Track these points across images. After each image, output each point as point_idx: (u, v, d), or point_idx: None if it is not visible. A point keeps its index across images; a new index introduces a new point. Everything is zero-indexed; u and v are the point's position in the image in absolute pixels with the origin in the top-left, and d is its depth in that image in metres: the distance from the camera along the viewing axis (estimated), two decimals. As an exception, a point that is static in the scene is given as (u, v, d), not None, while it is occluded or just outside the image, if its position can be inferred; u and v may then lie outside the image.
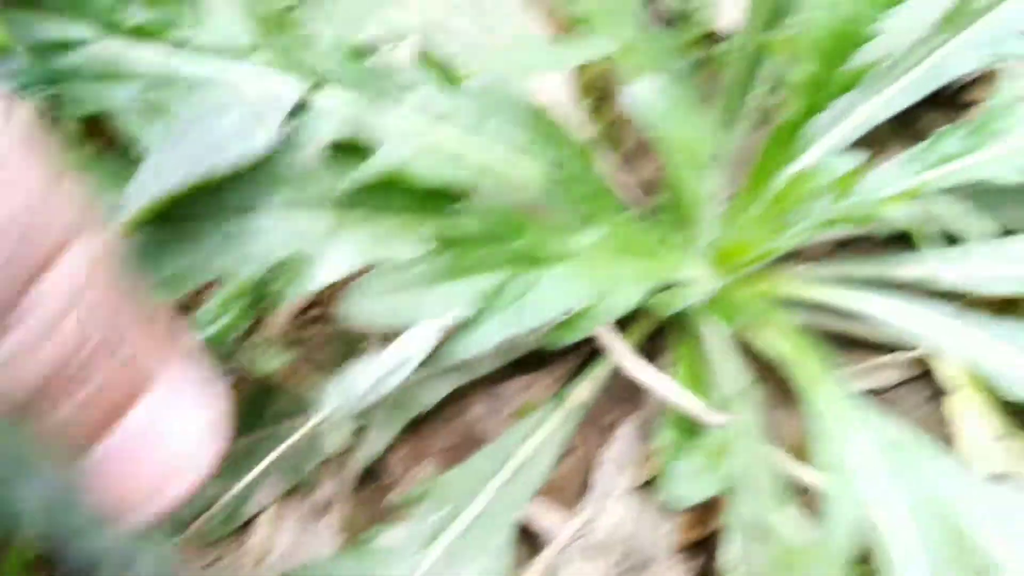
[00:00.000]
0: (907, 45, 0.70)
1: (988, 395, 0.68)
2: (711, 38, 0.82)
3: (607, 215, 0.54)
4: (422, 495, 0.62)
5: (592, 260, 0.57)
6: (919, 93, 0.72)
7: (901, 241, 0.75)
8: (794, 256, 0.78)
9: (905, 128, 0.83)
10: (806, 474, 0.62)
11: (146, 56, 0.53)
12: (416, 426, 0.71)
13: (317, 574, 0.59)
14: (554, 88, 0.78)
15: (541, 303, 0.56)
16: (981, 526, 0.60)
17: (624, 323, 0.70)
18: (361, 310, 0.52)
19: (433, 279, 0.53)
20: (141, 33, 0.53)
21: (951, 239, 0.71)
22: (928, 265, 0.70)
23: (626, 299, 0.55)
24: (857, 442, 0.58)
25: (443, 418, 0.72)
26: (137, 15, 0.51)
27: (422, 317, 0.51)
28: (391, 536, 0.61)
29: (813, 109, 0.63)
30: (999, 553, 0.58)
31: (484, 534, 0.62)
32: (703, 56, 0.72)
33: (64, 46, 0.51)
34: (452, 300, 0.53)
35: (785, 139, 0.64)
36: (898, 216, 0.62)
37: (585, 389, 0.68)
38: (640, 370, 0.66)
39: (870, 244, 0.78)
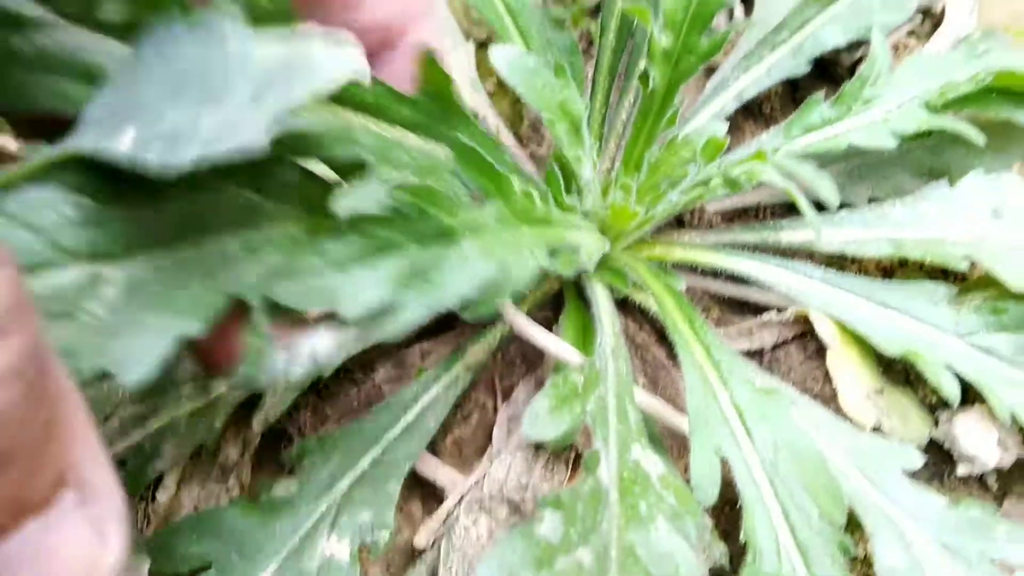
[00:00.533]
0: (779, 18, 0.74)
1: (863, 351, 0.71)
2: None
3: (505, 189, 0.56)
4: (316, 448, 0.64)
5: (495, 232, 0.57)
6: (796, 64, 0.75)
7: (791, 212, 0.79)
8: (687, 225, 0.81)
9: (795, 101, 0.86)
10: (679, 422, 0.65)
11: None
12: (320, 389, 0.74)
13: (209, 523, 0.60)
14: (458, 71, 0.81)
15: (454, 280, 0.54)
16: (843, 467, 0.63)
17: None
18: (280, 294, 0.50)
19: (346, 262, 0.51)
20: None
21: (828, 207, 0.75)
22: (808, 232, 0.74)
23: (529, 268, 0.55)
24: (723, 392, 0.61)
25: (348, 381, 0.75)
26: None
27: (341, 300, 0.48)
28: (286, 487, 0.63)
29: (677, 78, 0.66)
30: (857, 489, 0.61)
31: (377, 484, 0.64)
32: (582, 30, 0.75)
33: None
34: (368, 283, 0.50)
35: (655, 107, 0.67)
36: (774, 181, 0.65)
37: (479, 351, 0.71)
38: (529, 329, 0.69)
39: (762, 215, 0.82)
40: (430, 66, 0.47)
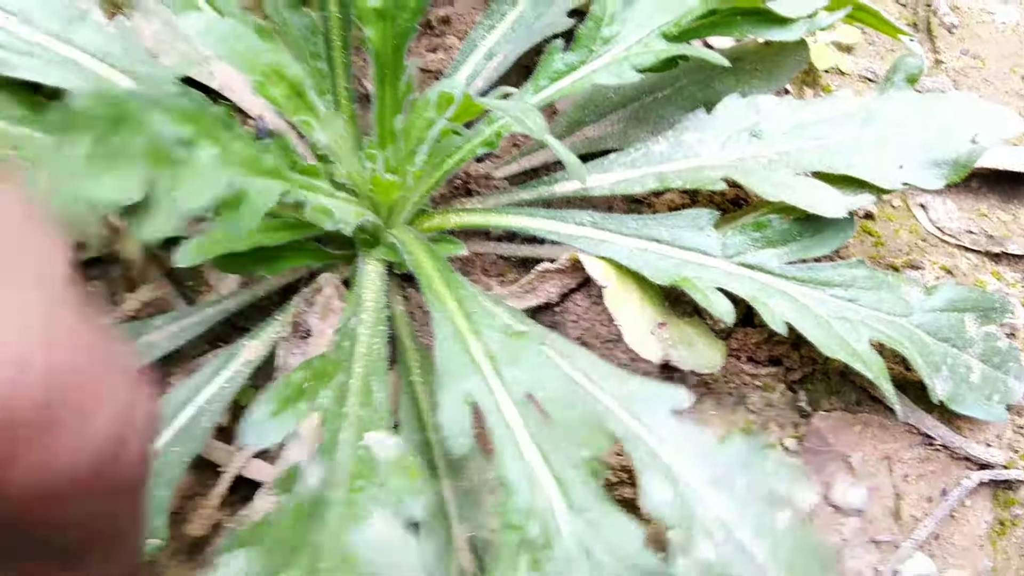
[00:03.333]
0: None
1: (642, 288, 0.70)
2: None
3: (215, 133, 0.55)
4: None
5: (219, 169, 0.56)
6: (542, 16, 0.76)
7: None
8: (474, 194, 0.81)
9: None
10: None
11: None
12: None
13: None
14: (227, 73, 0.81)
15: (190, 195, 0.53)
16: (612, 408, 0.61)
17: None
18: None
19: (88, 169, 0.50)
20: None
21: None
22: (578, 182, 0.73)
23: (269, 196, 0.54)
24: (475, 340, 0.60)
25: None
26: None
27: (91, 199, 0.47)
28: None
29: (398, 37, 0.66)
30: (626, 429, 0.60)
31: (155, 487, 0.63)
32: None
33: None
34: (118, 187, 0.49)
35: (388, 73, 0.67)
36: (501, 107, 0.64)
37: (254, 348, 0.70)
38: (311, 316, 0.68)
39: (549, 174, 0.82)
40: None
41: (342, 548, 0.48)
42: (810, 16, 0.71)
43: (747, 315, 0.71)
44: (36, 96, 0.65)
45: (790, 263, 0.68)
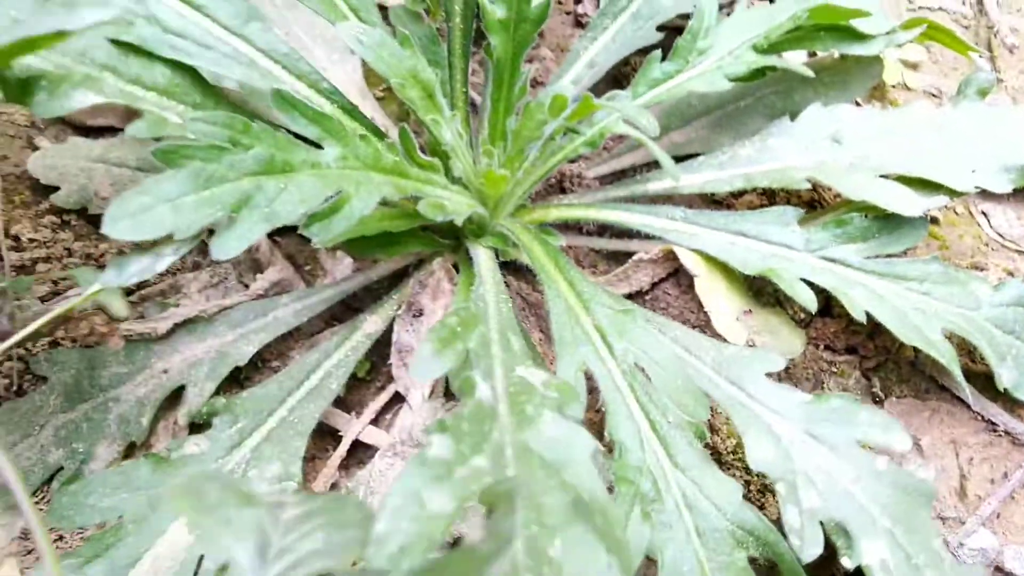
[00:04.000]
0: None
1: (729, 279, 0.77)
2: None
3: (339, 133, 0.63)
4: (224, 408, 0.70)
5: (338, 171, 0.64)
6: (640, 29, 0.83)
7: (660, 167, 0.85)
8: (568, 191, 0.87)
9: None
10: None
11: None
12: (241, 380, 0.79)
13: (120, 478, 0.65)
14: (348, 80, 0.89)
15: (292, 204, 0.60)
16: (710, 376, 0.68)
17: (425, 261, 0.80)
18: (122, 228, 0.56)
19: (183, 192, 0.57)
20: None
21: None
22: (671, 180, 0.80)
23: (368, 199, 0.61)
24: (585, 315, 0.67)
25: (267, 369, 0.80)
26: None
27: (180, 226, 0.54)
28: (195, 444, 0.68)
29: (518, 45, 0.73)
30: (725, 393, 0.66)
31: (284, 441, 0.69)
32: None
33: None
34: (205, 208, 0.57)
35: (505, 77, 0.74)
36: (617, 127, 0.71)
37: (377, 320, 0.77)
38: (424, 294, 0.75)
39: (637, 175, 0.88)
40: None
41: (518, 442, 0.53)
42: (888, 33, 0.78)
43: (826, 306, 0.77)
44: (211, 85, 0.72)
45: (868, 258, 0.74)
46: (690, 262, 0.75)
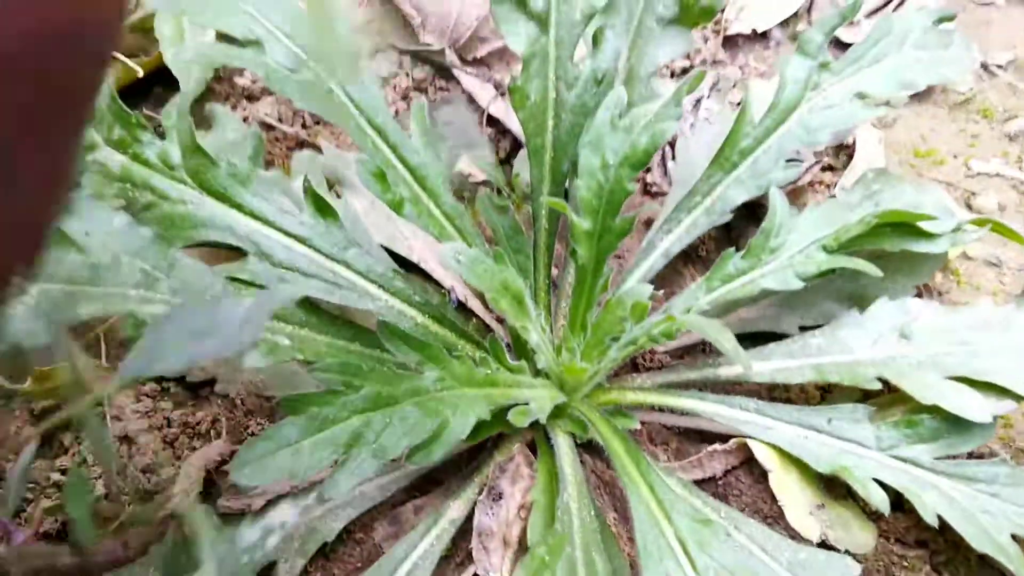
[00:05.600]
0: (689, 185, 0.85)
1: (802, 471, 0.79)
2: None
3: (438, 357, 0.68)
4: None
5: (436, 395, 0.69)
6: (713, 220, 0.86)
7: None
8: (640, 368, 0.91)
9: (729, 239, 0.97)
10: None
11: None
12: (327, 552, 0.83)
13: None
14: (430, 254, 0.93)
15: (397, 437, 0.66)
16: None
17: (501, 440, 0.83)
18: (247, 473, 0.61)
19: (301, 436, 0.63)
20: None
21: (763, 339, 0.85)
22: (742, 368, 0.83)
23: (465, 422, 0.66)
24: (668, 525, 0.70)
25: (352, 542, 0.84)
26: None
27: (298, 470, 0.59)
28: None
29: (601, 253, 0.77)
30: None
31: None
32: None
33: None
34: (321, 451, 0.62)
35: (588, 279, 0.78)
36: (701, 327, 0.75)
37: (461, 505, 0.80)
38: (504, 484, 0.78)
39: (706, 350, 0.92)
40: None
41: None
42: (953, 231, 0.81)
43: (897, 500, 0.79)
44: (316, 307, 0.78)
45: (939, 458, 0.76)
46: (764, 456, 0.78)
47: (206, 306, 0.51)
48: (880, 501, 0.73)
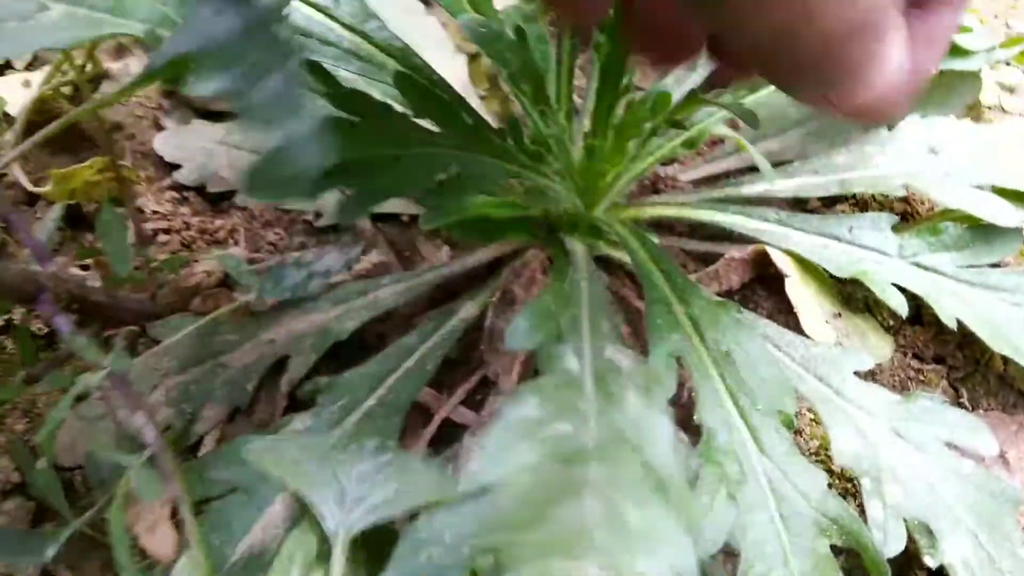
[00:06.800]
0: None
1: (820, 281, 0.78)
2: None
3: (453, 118, 0.67)
4: (327, 387, 0.73)
5: (451, 151, 0.68)
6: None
7: (754, 171, 0.87)
8: (661, 193, 0.90)
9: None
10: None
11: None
12: (340, 354, 0.83)
13: (234, 453, 0.68)
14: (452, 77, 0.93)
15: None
16: (798, 371, 0.69)
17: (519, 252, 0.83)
18: None
19: None
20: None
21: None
22: (766, 183, 0.82)
23: (482, 180, 0.67)
24: (679, 305, 0.69)
25: (365, 347, 0.84)
26: None
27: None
28: (302, 421, 0.72)
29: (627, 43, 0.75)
30: (812, 388, 0.68)
31: (382, 418, 0.73)
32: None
33: None
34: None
35: (610, 76, 0.77)
36: (722, 132, 0.74)
37: (473, 307, 0.80)
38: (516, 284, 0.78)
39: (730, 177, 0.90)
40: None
41: (602, 418, 0.54)
42: (988, 50, 0.79)
43: (916, 314, 0.78)
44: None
45: (961, 267, 0.74)
46: (782, 262, 0.77)
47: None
48: (898, 304, 0.72)
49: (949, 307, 0.72)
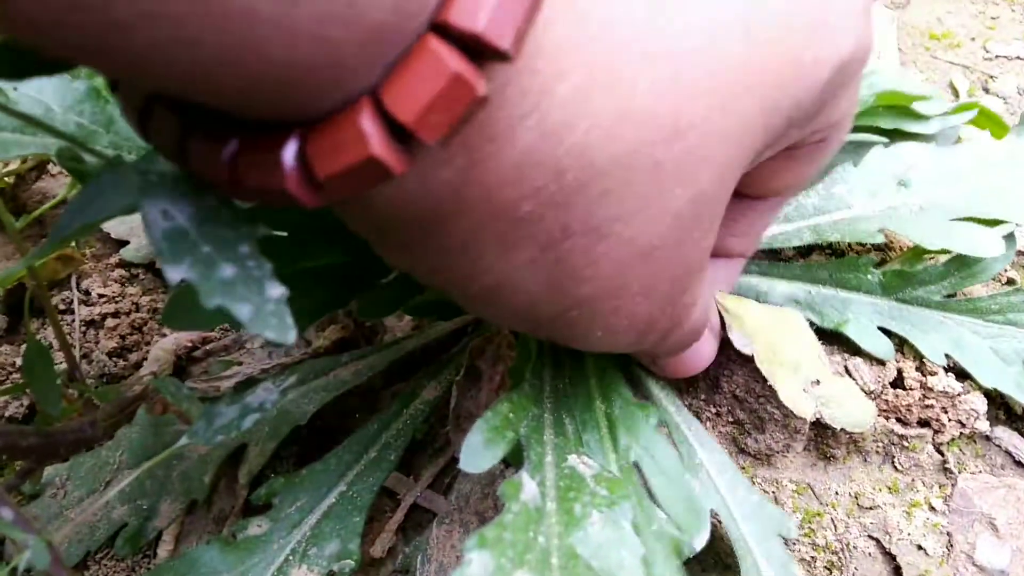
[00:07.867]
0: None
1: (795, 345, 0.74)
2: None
3: None
4: (284, 487, 0.70)
5: None
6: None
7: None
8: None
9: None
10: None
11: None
12: (300, 439, 0.80)
13: (189, 563, 0.66)
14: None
15: None
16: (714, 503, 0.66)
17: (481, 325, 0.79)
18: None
19: None
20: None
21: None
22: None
23: None
24: (601, 404, 0.66)
25: (325, 428, 0.80)
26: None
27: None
28: (258, 525, 0.68)
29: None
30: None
31: (343, 516, 0.69)
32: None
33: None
34: None
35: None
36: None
37: (438, 386, 0.77)
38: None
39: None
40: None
41: (566, 547, 0.52)
42: (943, 115, 0.78)
43: (898, 377, 0.74)
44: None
45: (948, 297, 0.72)
46: (741, 343, 0.73)
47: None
48: (885, 352, 0.70)
49: (937, 344, 0.70)
